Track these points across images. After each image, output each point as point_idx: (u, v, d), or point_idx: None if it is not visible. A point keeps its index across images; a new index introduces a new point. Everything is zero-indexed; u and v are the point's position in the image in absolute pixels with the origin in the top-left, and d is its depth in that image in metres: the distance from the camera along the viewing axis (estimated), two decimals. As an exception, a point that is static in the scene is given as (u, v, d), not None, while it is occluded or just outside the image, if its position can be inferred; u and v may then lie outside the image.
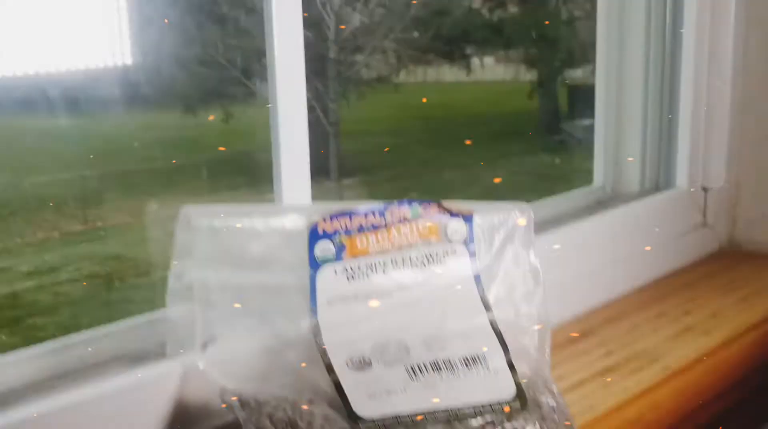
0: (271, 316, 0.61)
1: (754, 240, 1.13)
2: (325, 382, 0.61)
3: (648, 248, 1.00)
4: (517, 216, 0.69)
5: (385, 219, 0.64)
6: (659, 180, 1.09)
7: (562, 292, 0.89)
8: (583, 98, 1.20)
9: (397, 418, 0.60)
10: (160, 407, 0.61)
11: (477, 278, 0.67)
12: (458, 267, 0.67)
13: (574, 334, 0.89)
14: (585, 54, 1.20)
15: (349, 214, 0.63)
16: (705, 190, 1.09)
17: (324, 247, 0.62)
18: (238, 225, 0.59)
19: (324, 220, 0.62)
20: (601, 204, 1.04)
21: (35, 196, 0.80)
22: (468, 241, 0.67)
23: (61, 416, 0.57)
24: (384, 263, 0.64)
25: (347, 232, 0.63)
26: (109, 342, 0.65)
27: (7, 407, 0.55)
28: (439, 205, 0.66)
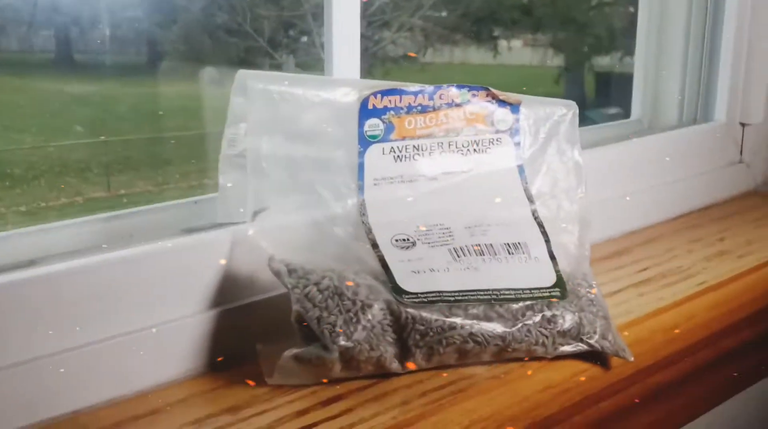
0: (319, 190, 0.62)
1: (790, 181, 1.13)
2: (370, 257, 0.62)
3: (681, 179, 1.01)
4: (563, 111, 0.70)
5: (433, 101, 0.65)
6: (697, 115, 1.09)
7: (599, 212, 0.90)
8: (610, 86, 1.20)
9: (439, 294, 0.61)
10: (210, 273, 0.62)
11: (521, 169, 0.68)
12: (503, 156, 0.67)
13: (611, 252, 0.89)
14: (614, 41, 1.19)
15: (400, 93, 0.63)
16: (743, 125, 1.09)
17: (373, 124, 0.63)
18: (292, 92, 0.60)
19: (375, 95, 0.62)
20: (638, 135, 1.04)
21: (59, 160, 0.81)
22: (514, 131, 0.67)
23: (113, 270, 0.58)
24: (431, 147, 0.65)
25: (397, 110, 0.64)
26: (162, 216, 0.66)
27: (64, 259, 0.57)
28: (488, 92, 0.66)
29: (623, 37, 1.11)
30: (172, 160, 0.85)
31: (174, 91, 0.83)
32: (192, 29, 0.87)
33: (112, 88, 0.82)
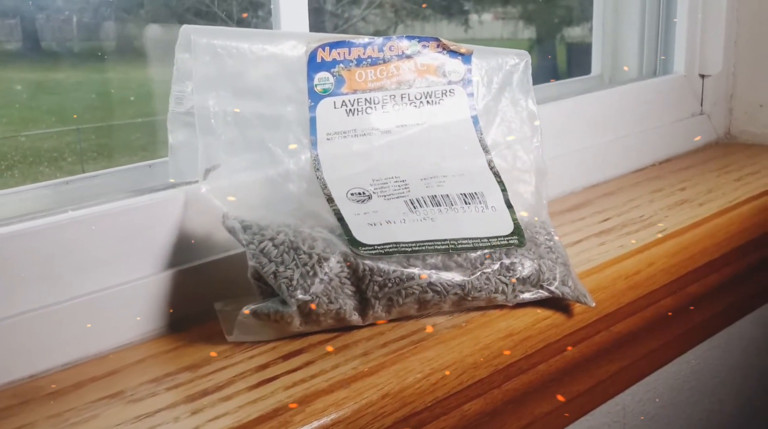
0: (271, 147, 0.62)
1: (750, 131, 1.14)
2: (326, 212, 0.62)
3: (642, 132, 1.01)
4: (515, 60, 0.70)
5: (383, 53, 0.64)
6: (657, 68, 1.10)
7: (560, 166, 0.90)
8: (581, 56, 1.20)
9: (396, 245, 0.60)
10: (164, 233, 0.61)
11: (475, 119, 0.67)
12: (456, 107, 0.67)
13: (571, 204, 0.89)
14: (584, 11, 1.19)
15: (348, 45, 0.63)
16: (702, 77, 1.10)
17: (323, 77, 0.63)
18: (238, 47, 0.59)
19: (323, 48, 0.62)
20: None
21: (32, 150, 0.80)
22: (466, 82, 0.67)
23: (64, 232, 0.57)
24: (383, 99, 0.65)
25: (346, 63, 0.63)
26: (114, 180, 0.65)
27: (14, 222, 0.56)
28: (439, 43, 0.66)
29: (593, 7, 1.11)
30: (146, 146, 0.84)
31: (144, 76, 0.82)
32: (159, 13, 0.86)
33: (81, 76, 0.81)
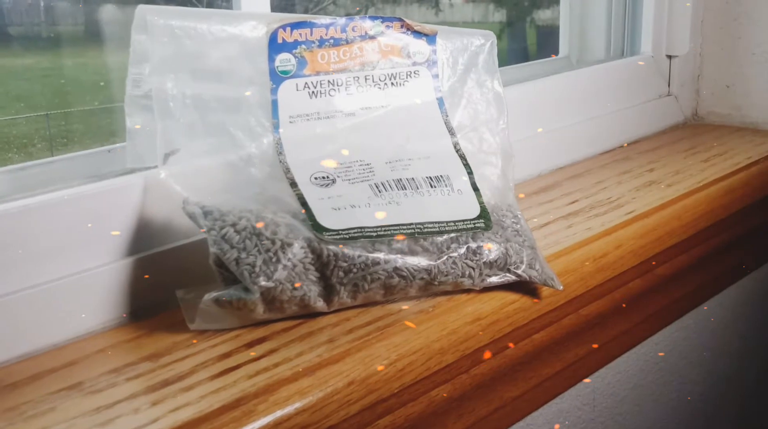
0: (232, 131, 0.60)
1: (717, 112, 1.14)
2: (289, 197, 0.60)
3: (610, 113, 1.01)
4: (480, 41, 0.69)
5: (346, 34, 0.63)
6: (624, 49, 1.09)
7: (527, 149, 0.90)
8: (552, 39, 1.19)
9: (361, 230, 0.59)
10: (122, 220, 0.60)
11: (440, 101, 0.67)
12: (421, 89, 0.66)
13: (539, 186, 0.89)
14: None
15: (310, 26, 0.62)
16: (670, 57, 1.09)
17: (284, 59, 0.61)
18: (196, 27, 0.58)
19: (284, 29, 0.61)
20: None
21: (0, 136, 0.78)
22: (431, 63, 0.66)
23: (18, 219, 0.55)
24: (347, 81, 0.63)
25: (308, 44, 0.62)
26: (72, 166, 0.64)
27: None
28: (403, 23, 0.65)
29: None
30: (117, 131, 0.82)
31: (114, 60, 0.80)
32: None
33: (50, 61, 0.80)
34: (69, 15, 0.78)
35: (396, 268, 0.59)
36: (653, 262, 0.82)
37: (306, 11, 1.02)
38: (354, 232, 0.59)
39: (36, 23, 0.75)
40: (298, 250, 0.57)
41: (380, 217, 0.60)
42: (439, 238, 0.62)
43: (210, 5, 0.88)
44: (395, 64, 0.65)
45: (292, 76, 0.62)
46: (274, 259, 0.56)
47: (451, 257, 0.61)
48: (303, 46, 0.62)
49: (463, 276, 0.62)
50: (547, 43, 1.27)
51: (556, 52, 1.11)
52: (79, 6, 0.77)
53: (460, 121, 0.67)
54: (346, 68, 0.63)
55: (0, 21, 0.76)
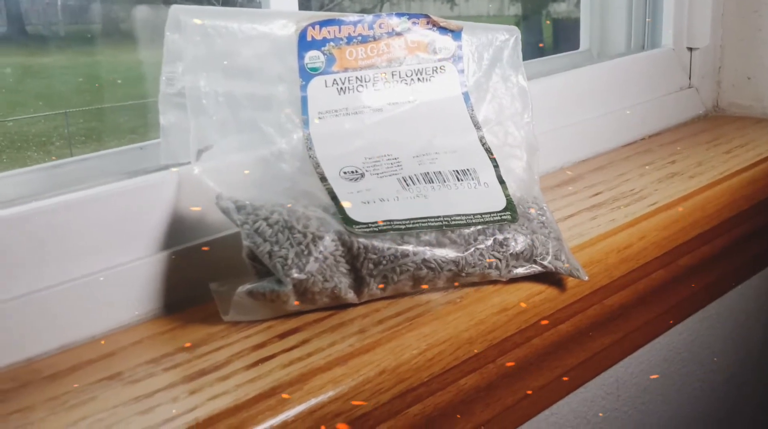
0: (263, 127, 0.61)
1: (738, 103, 1.14)
2: (319, 191, 0.62)
3: (629, 112, 1.01)
4: (505, 36, 0.70)
5: (373, 31, 0.64)
6: (645, 42, 1.10)
7: (550, 142, 0.90)
8: (568, 32, 1.20)
9: (390, 223, 0.61)
10: (157, 215, 0.61)
11: (466, 96, 0.68)
12: (447, 84, 0.67)
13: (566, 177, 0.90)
14: None
15: (338, 24, 0.63)
16: (690, 50, 1.10)
17: (314, 56, 0.62)
18: (228, 26, 0.59)
19: (313, 27, 0.62)
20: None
21: (19, 135, 0.79)
22: (456, 59, 0.67)
23: (56, 216, 0.57)
24: (374, 77, 0.65)
25: (336, 41, 0.63)
26: (105, 163, 0.65)
27: (7, 206, 0.56)
28: (429, 20, 0.66)
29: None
30: (135, 129, 0.84)
31: (132, 58, 0.81)
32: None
33: (68, 59, 0.81)
34: (86, 14, 0.79)
35: (424, 260, 0.60)
36: (676, 253, 0.82)
37: (322, 6, 1.03)
38: (383, 225, 0.60)
39: (54, 22, 0.76)
40: (329, 243, 0.58)
41: (408, 210, 0.61)
42: (467, 231, 0.63)
43: (226, 3, 0.89)
44: (421, 59, 0.66)
45: (321, 73, 0.63)
46: (305, 252, 0.58)
47: (478, 249, 0.62)
48: (331, 44, 0.63)
49: (490, 267, 0.63)
50: (562, 36, 1.28)
51: (572, 46, 1.11)
52: (97, 5, 0.79)
53: (485, 116, 0.68)
54: (374, 65, 0.64)
55: (18, 20, 0.77)
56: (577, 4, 1.11)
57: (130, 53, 0.81)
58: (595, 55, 1.10)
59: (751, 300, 1.08)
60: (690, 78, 1.11)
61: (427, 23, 0.66)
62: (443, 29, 0.66)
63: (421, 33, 0.66)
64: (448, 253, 0.61)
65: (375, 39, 0.64)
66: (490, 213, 0.64)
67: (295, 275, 0.57)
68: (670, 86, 1.09)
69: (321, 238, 0.58)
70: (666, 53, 1.07)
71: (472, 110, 0.67)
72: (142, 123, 0.79)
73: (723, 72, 1.14)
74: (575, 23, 1.11)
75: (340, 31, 0.63)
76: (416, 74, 0.66)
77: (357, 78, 0.64)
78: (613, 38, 1.09)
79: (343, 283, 0.59)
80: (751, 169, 0.92)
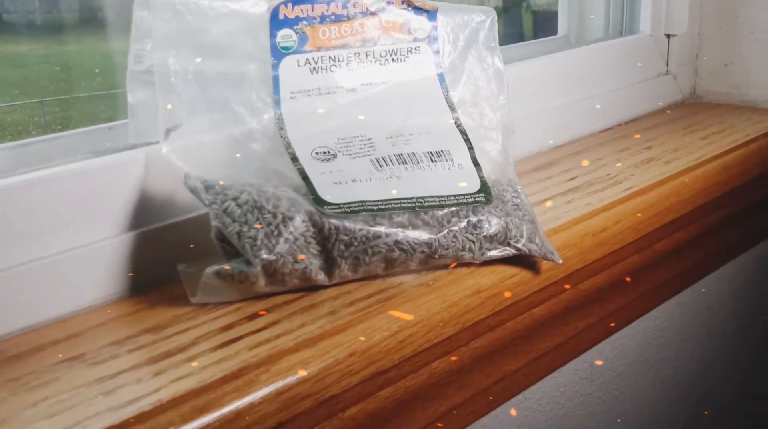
0: (233, 106, 0.60)
1: (715, 91, 1.14)
2: (290, 171, 0.61)
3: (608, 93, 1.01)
4: (481, 17, 0.69)
5: (347, 10, 0.63)
6: (623, 28, 1.09)
7: (526, 127, 0.90)
8: (548, 23, 1.19)
9: (362, 203, 0.60)
10: (124, 195, 0.60)
11: (441, 77, 0.67)
12: (422, 65, 0.66)
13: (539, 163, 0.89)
14: None
15: (312, 2, 0.62)
16: (668, 36, 1.09)
17: (286, 35, 0.61)
18: (198, 3, 0.58)
19: (285, 5, 0.61)
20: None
21: None
22: (432, 39, 0.66)
23: (20, 194, 0.56)
24: (348, 57, 0.64)
25: (309, 20, 0.62)
26: (74, 142, 0.64)
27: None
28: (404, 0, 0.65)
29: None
30: (112, 118, 0.83)
31: (109, 47, 0.80)
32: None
33: (44, 48, 0.80)
34: (64, 2, 0.78)
35: (397, 242, 0.60)
36: (652, 238, 0.82)
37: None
38: (355, 206, 0.60)
39: (31, 11, 0.75)
40: (299, 224, 0.58)
41: (381, 191, 0.61)
42: (440, 212, 0.62)
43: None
44: (396, 40, 0.65)
45: (294, 52, 0.62)
46: (275, 233, 0.57)
47: (451, 231, 0.62)
48: (304, 22, 0.62)
49: (463, 249, 0.62)
50: (543, 28, 1.28)
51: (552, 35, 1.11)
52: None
53: (460, 97, 0.68)
54: (347, 44, 0.63)
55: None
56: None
57: (108, 42, 0.79)
58: (573, 41, 1.10)
59: (726, 286, 1.08)
60: (668, 65, 1.11)
61: (402, 3, 0.65)
62: (418, 9, 0.65)
63: (395, 13, 0.65)
64: (420, 234, 0.61)
65: (349, 18, 0.63)
66: (464, 195, 0.63)
67: (265, 256, 0.56)
68: (648, 73, 1.09)
69: (291, 218, 0.57)
70: (644, 39, 1.07)
71: (447, 92, 0.67)
72: (120, 112, 0.78)
73: (700, 59, 1.14)
74: (555, 15, 1.11)
75: (313, 10, 0.62)
76: (390, 55, 0.65)
77: (330, 58, 0.63)
78: (590, 24, 1.09)
79: (313, 264, 0.58)
80: (726, 154, 0.92)
